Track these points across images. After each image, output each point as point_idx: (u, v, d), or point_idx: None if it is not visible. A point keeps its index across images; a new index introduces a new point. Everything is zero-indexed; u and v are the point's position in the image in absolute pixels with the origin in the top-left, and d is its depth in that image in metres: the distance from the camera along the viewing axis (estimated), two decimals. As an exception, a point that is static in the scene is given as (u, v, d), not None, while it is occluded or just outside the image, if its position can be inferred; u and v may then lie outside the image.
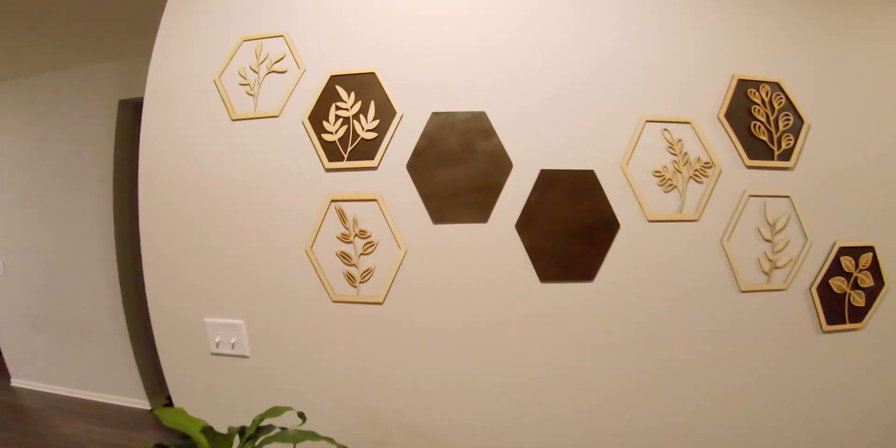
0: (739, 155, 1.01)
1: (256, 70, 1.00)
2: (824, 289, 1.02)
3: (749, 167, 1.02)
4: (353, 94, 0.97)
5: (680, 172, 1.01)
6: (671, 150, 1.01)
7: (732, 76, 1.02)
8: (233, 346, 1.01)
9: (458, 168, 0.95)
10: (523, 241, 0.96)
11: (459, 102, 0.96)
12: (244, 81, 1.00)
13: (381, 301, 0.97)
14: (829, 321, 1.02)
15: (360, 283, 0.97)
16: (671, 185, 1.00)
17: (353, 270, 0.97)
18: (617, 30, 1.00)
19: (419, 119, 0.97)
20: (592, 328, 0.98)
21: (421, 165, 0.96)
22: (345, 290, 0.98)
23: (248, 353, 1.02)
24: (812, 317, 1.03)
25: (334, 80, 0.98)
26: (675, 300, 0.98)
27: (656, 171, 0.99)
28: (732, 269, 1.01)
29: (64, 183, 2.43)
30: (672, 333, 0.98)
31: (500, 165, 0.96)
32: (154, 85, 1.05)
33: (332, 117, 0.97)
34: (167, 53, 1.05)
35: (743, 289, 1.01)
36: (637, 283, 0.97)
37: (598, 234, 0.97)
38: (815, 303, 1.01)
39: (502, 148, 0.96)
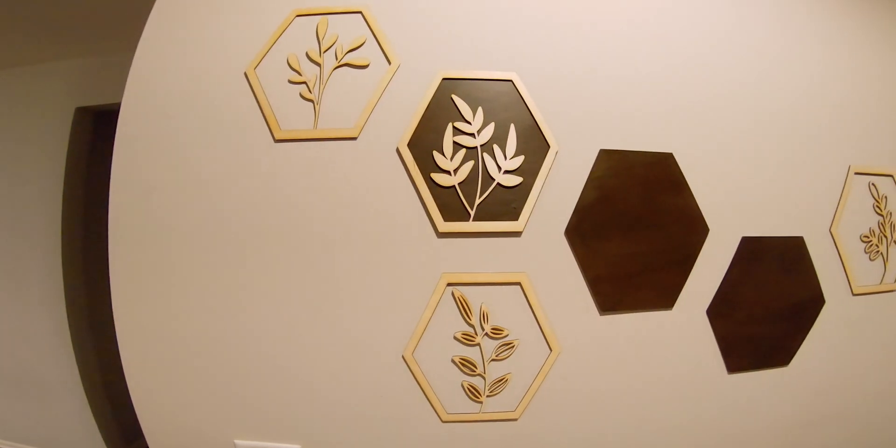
0: (927, 212, 0.84)
1: (318, 61, 0.55)
2: None
3: (932, 226, 0.85)
4: (479, 112, 0.57)
5: (885, 236, 0.77)
6: (877, 209, 0.78)
7: None
8: None
9: (638, 235, 0.60)
10: (714, 329, 0.65)
11: (640, 140, 0.61)
12: (297, 78, 0.55)
13: (517, 417, 0.60)
14: None
15: (488, 396, 0.60)
16: (878, 251, 0.77)
17: (476, 382, 0.59)
18: (831, 68, 0.71)
19: (583, 158, 0.60)
20: (786, 415, 0.72)
21: (586, 231, 0.59)
22: (462, 406, 0.60)
23: None
24: None
25: (449, 85, 0.57)
26: (874, 377, 0.75)
27: (865, 236, 0.75)
28: None
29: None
30: (871, 411, 0.76)
31: (694, 231, 0.63)
32: (138, 84, 0.55)
33: (447, 146, 0.56)
34: (163, 35, 0.56)
35: None
36: (836, 362, 0.73)
37: (801, 313, 0.70)
38: None
39: (696, 207, 0.63)
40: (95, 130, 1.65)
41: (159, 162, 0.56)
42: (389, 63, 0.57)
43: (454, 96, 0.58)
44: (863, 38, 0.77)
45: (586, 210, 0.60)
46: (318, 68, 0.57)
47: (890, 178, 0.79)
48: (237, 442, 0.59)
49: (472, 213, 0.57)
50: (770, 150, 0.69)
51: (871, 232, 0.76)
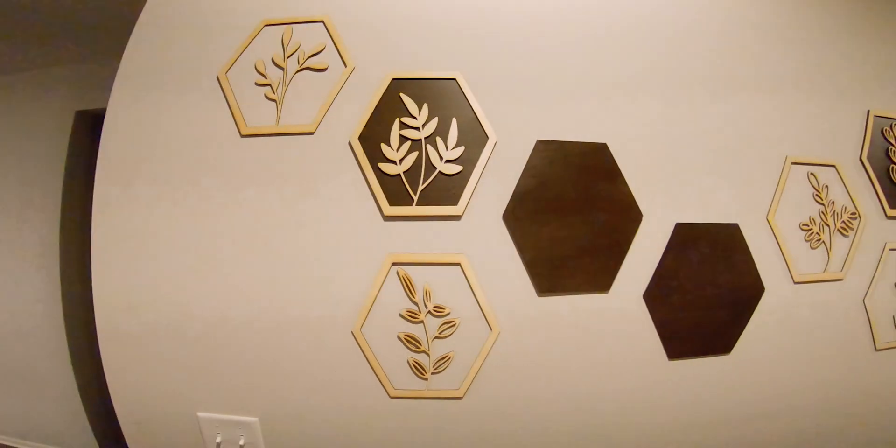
0: (881, 203, 0.81)
1: (282, 65, 0.63)
2: None
3: (890, 217, 0.81)
4: (425, 108, 0.63)
5: (827, 225, 0.79)
6: (818, 199, 0.80)
7: (868, 112, 0.83)
8: (242, 447, 0.66)
9: (573, 220, 0.64)
10: (652, 314, 0.68)
11: (576, 131, 0.66)
12: (263, 80, 0.62)
13: (462, 395, 0.64)
14: None
15: (433, 373, 0.64)
16: (819, 239, 0.79)
17: (422, 358, 0.63)
18: (756, 63, 0.75)
19: (521, 149, 0.65)
20: (729, 404, 0.73)
21: (523, 215, 0.64)
22: (409, 382, 0.64)
23: None
24: None
25: (398, 85, 0.63)
26: (813, 365, 0.76)
27: (804, 224, 0.77)
28: (871, 328, 0.80)
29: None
30: (809, 401, 0.76)
31: (628, 217, 0.67)
32: (125, 83, 0.63)
33: (394, 139, 0.62)
34: (148, 39, 0.64)
35: (879, 347, 0.80)
36: (777, 351, 0.74)
37: (739, 300, 0.72)
38: None
39: (629, 193, 0.67)
40: (95, 133, 1.76)
41: (141, 154, 0.63)
42: (345, 66, 0.64)
43: (402, 94, 0.64)
44: (799, 25, 0.80)
45: (523, 196, 0.65)
46: (281, 72, 0.64)
47: (833, 168, 0.81)
48: (199, 414, 0.64)
49: (415, 198, 0.62)
50: (706, 140, 0.72)
51: (812, 220, 0.77)
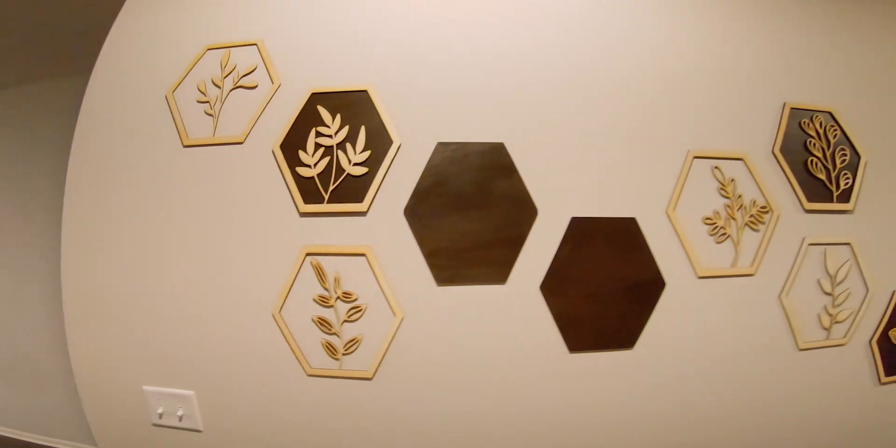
0: (798, 197, 0.81)
1: (220, 84, 0.74)
2: (884, 341, 0.83)
3: (808, 211, 0.81)
4: (338, 118, 0.72)
5: (733, 218, 0.80)
6: (723, 192, 0.82)
7: (784, 104, 0.83)
8: (180, 418, 0.76)
9: (471, 215, 0.71)
10: (550, 306, 0.74)
11: (475, 132, 0.73)
12: (203, 98, 0.74)
13: (371, 376, 0.72)
14: (888, 373, 0.84)
15: (344, 354, 0.72)
16: (724, 233, 0.80)
17: (333, 340, 0.71)
18: (660, 53, 0.78)
19: (422, 150, 0.72)
20: (631, 400, 0.75)
21: (423, 211, 0.71)
22: (323, 362, 0.72)
23: (200, 428, 0.76)
24: (870, 369, 0.83)
25: (316, 98, 0.73)
26: (727, 364, 0.77)
27: (707, 218, 0.79)
28: (791, 327, 0.80)
29: (4, 209, 2.06)
30: (723, 400, 0.77)
31: (524, 212, 0.74)
32: (93, 100, 0.77)
33: (310, 146, 0.72)
34: (113, 62, 0.78)
35: (802, 347, 0.80)
36: (684, 347, 0.75)
37: (639, 294, 0.75)
38: (874, 356, 0.82)
39: (525, 189, 0.73)
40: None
41: (111, 160, 0.76)
42: (273, 83, 0.74)
43: (319, 106, 0.73)
44: (709, 16, 0.82)
45: (423, 193, 0.72)
46: (219, 90, 0.75)
47: (741, 161, 0.82)
48: (145, 388, 0.75)
49: (326, 196, 0.71)
50: (603, 136, 0.76)
51: (716, 214, 0.79)
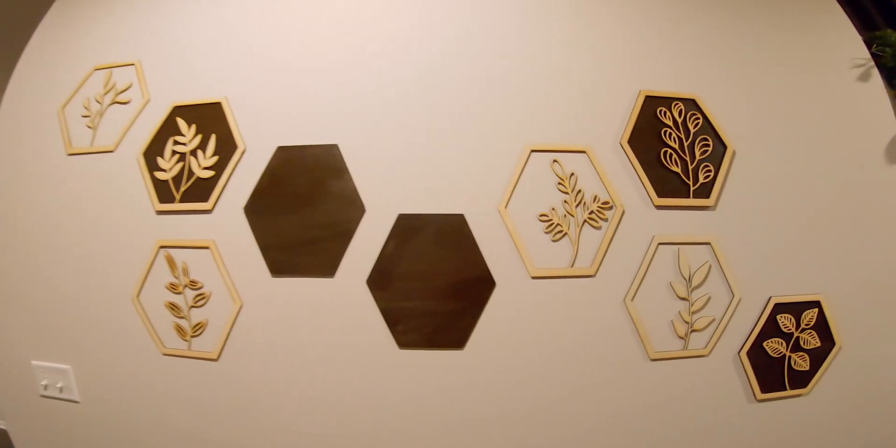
0: (647, 191, 0.76)
1: (101, 101, 0.84)
2: (757, 353, 0.76)
3: (659, 207, 0.77)
4: (193, 127, 0.79)
5: (572, 215, 0.77)
6: (561, 187, 0.79)
7: (639, 92, 0.79)
8: (60, 390, 0.84)
9: (304, 212, 0.75)
10: (376, 300, 0.75)
11: (312, 136, 0.77)
12: (86, 113, 0.84)
13: (216, 357, 0.77)
14: (765, 389, 0.76)
15: (192, 336, 0.78)
16: (560, 231, 0.77)
17: (183, 323, 0.78)
18: (495, 44, 0.78)
19: (264, 154, 0.77)
20: (463, 403, 0.74)
21: (261, 209, 0.76)
22: (175, 343, 0.78)
23: (77, 399, 0.84)
24: (743, 385, 0.76)
25: (177, 111, 0.80)
26: (565, 371, 0.74)
27: (542, 215, 0.76)
28: (639, 334, 0.76)
29: None
30: (560, 408, 0.74)
31: (352, 209, 0.76)
32: (4, 115, 0.89)
33: (167, 153, 0.80)
34: (24, 81, 0.90)
35: (653, 357, 0.75)
36: (517, 352, 0.74)
37: (468, 293, 0.74)
38: (745, 369, 0.76)
39: (354, 188, 0.76)
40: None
41: (7, 165, 0.87)
42: (143, 98, 0.83)
43: (178, 118, 0.81)
44: (541, 11, 0.80)
45: (261, 193, 0.77)
46: (99, 105, 0.85)
47: (584, 154, 0.78)
48: (33, 362, 0.85)
49: (178, 196, 0.79)
50: (436, 134, 0.76)
51: (553, 211, 0.76)
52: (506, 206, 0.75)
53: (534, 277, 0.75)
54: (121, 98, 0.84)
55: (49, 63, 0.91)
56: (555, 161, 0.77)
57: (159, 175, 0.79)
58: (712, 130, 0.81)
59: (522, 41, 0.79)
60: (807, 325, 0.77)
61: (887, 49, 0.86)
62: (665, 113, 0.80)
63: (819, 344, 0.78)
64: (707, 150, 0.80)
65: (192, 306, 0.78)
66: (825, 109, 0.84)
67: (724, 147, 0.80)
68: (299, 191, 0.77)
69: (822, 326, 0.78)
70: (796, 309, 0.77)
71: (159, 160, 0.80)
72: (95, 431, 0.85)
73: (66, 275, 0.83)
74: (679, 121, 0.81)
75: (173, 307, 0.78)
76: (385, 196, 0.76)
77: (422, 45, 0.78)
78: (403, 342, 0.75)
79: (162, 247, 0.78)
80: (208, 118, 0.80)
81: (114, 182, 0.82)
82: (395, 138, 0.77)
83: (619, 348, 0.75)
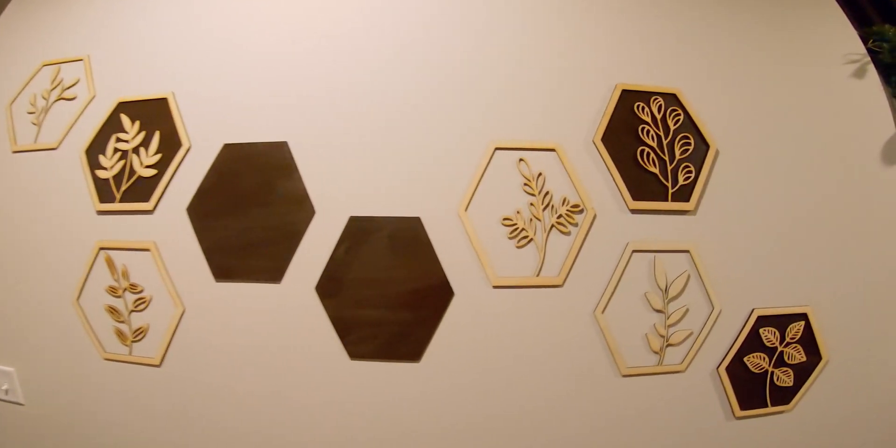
0: (621, 194, 0.70)
1: (47, 97, 0.80)
2: (737, 368, 0.70)
3: (634, 211, 0.70)
4: (137, 124, 0.75)
5: (539, 219, 0.70)
6: (528, 189, 0.73)
7: (615, 86, 0.72)
8: (6, 392, 0.80)
9: (250, 214, 0.70)
10: (326, 308, 0.69)
11: (261, 133, 0.71)
12: (32, 109, 0.80)
13: (158, 363, 0.72)
14: (745, 405, 0.70)
15: (133, 342, 0.73)
16: (526, 236, 0.70)
17: (123, 327, 0.73)
18: (456, 33, 0.72)
19: (210, 153, 0.72)
20: (418, 419, 0.68)
21: (205, 209, 0.71)
22: (116, 348, 0.74)
23: (22, 401, 0.79)
24: (721, 401, 0.70)
25: (122, 107, 0.76)
26: (530, 387, 0.68)
27: (506, 219, 0.70)
28: (610, 348, 0.69)
29: None
30: (528, 430, 0.68)
31: (301, 211, 0.70)
32: None
33: (110, 150, 0.75)
34: None
35: (625, 373, 0.69)
36: (477, 366, 0.67)
37: (424, 303, 0.68)
38: (724, 385, 0.69)
39: (303, 189, 0.70)
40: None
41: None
42: (89, 94, 0.79)
43: (122, 114, 0.77)
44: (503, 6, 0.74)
45: (205, 192, 0.72)
46: (45, 102, 0.81)
47: (553, 152, 0.72)
48: None
49: (119, 196, 0.74)
50: (393, 132, 0.70)
51: (518, 214, 0.70)
52: (466, 209, 0.69)
53: (495, 286, 0.69)
54: (67, 94, 0.79)
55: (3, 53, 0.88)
56: (521, 160, 0.72)
57: (100, 174, 0.75)
58: (694, 128, 0.74)
59: (487, 29, 0.74)
60: (792, 339, 0.71)
61: (885, 44, 0.79)
62: (643, 108, 0.74)
63: (804, 359, 0.71)
64: (688, 149, 0.73)
65: (133, 311, 0.73)
66: (816, 107, 0.77)
67: (707, 146, 0.74)
68: (246, 191, 0.71)
69: (808, 340, 0.71)
70: (781, 322, 0.71)
71: (101, 158, 0.75)
72: (40, 434, 0.80)
73: (8, 276, 0.79)
74: (658, 117, 0.75)
75: (113, 311, 0.73)
76: (336, 197, 0.70)
77: (378, 34, 0.73)
78: (355, 353, 0.69)
79: (102, 248, 0.73)
80: (153, 115, 0.75)
81: (56, 181, 0.77)
82: (348, 135, 0.71)
83: (587, 364, 0.69)
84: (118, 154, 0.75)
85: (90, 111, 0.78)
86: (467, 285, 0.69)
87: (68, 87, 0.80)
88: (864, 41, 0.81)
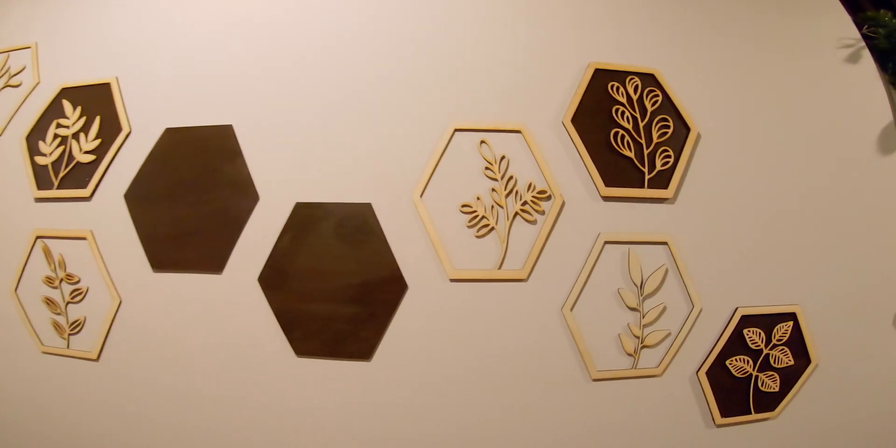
0: (592, 179, 0.64)
1: None
2: (718, 373, 0.63)
3: (606, 198, 0.64)
4: (78, 110, 0.71)
5: (501, 206, 0.64)
6: (489, 173, 0.66)
7: (588, 65, 0.66)
8: None
9: (189, 199, 0.65)
10: (270, 301, 0.63)
11: (205, 116, 0.67)
12: None
13: (96, 357, 0.67)
14: (727, 413, 0.63)
15: (70, 334, 0.69)
16: (486, 225, 0.64)
17: (60, 320, 0.69)
18: (414, 4, 0.67)
19: (151, 137, 0.68)
20: (369, 421, 0.62)
21: (142, 195, 0.67)
22: (54, 341, 0.69)
23: None
24: (700, 408, 0.63)
25: (64, 93, 0.72)
26: (494, 393, 0.61)
27: (465, 206, 0.64)
28: (579, 349, 0.62)
29: None
30: (489, 436, 0.61)
31: (244, 197, 0.65)
32: None
33: (49, 136, 0.71)
34: None
35: (595, 376, 0.62)
36: (433, 367, 0.62)
37: (376, 297, 0.62)
38: (703, 391, 0.62)
39: (247, 173, 0.65)
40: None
41: None
42: (34, 81, 0.75)
43: (64, 100, 0.73)
44: None
45: (144, 178, 0.67)
46: (-10, 89, 0.78)
47: (518, 134, 0.65)
48: None
49: (56, 183, 0.70)
50: (344, 114, 0.65)
51: (479, 200, 0.64)
52: (421, 195, 0.63)
53: (453, 280, 0.62)
54: (13, 81, 0.76)
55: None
56: (483, 142, 0.65)
57: (39, 160, 0.71)
58: (674, 109, 0.68)
59: (447, 1, 0.69)
60: (779, 340, 0.64)
61: (880, 30, 0.73)
62: (618, 88, 0.67)
63: (792, 362, 0.64)
64: (666, 133, 0.67)
65: (69, 302, 0.69)
66: (808, 93, 0.71)
67: (688, 129, 0.67)
68: (186, 176, 0.66)
69: (796, 342, 0.64)
70: (767, 322, 0.64)
71: (41, 144, 0.71)
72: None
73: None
74: (634, 98, 0.68)
75: (50, 302, 0.69)
76: (281, 182, 0.65)
77: (327, 6, 0.68)
78: (301, 350, 0.63)
79: (39, 237, 0.69)
80: (96, 100, 0.71)
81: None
82: (294, 116, 0.66)
83: (554, 366, 0.62)
84: (57, 140, 0.71)
85: (33, 98, 0.74)
86: (422, 278, 0.63)
87: (14, 75, 0.77)
88: (859, 27, 0.74)
